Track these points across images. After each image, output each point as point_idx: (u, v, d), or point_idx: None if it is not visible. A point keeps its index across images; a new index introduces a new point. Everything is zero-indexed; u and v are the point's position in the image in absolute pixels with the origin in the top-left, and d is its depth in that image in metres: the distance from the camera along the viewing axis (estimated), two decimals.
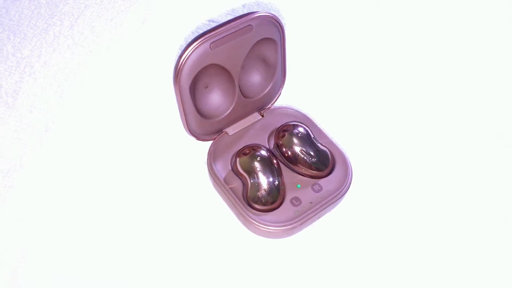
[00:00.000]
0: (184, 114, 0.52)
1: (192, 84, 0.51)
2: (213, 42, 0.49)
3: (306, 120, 0.58)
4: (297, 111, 0.59)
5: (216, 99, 0.55)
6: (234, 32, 0.50)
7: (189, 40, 0.69)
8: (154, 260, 0.51)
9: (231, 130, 0.57)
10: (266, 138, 0.57)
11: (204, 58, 0.49)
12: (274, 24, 0.53)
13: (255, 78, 0.57)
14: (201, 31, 0.66)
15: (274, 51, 0.55)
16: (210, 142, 0.57)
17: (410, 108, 0.64)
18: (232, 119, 0.57)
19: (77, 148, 0.60)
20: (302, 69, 0.68)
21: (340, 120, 0.62)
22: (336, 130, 0.61)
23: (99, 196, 0.56)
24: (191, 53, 0.48)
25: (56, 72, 0.67)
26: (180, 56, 0.48)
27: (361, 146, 0.60)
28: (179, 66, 0.48)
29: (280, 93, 0.60)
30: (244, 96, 0.56)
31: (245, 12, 0.64)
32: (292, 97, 0.63)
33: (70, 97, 0.64)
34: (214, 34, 0.48)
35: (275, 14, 0.68)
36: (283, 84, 0.59)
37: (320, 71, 0.68)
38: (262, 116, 0.59)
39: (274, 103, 0.60)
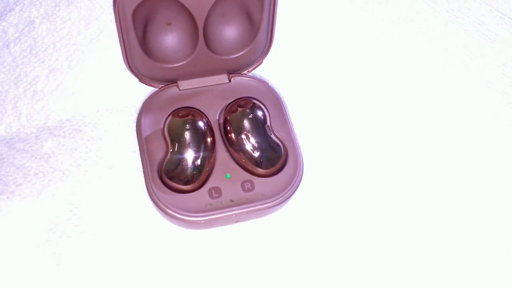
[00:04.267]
0: (124, 45, 0.43)
1: (142, 13, 0.41)
2: None
3: (275, 102, 0.47)
4: (271, 88, 0.48)
5: (174, 41, 0.45)
6: None
7: None
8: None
9: (184, 84, 0.47)
10: (221, 108, 0.47)
11: None
12: None
13: (230, 32, 0.46)
14: None
15: (260, 8, 0.44)
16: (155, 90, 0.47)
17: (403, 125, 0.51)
18: (190, 73, 0.47)
19: None
20: (300, 43, 0.55)
21: (321, 117, 0.50)
22: (310, 127, 0.49)
23: None
24: None
25: None
26: None
27: (331, 155, 0.48)
28: None
29: (261, 62, 0.49)
30: (211, 50, 0.46)
31: None
32: (278, 70, 0.51)
33: None
34: None
35: None
36: (267, 51, 0.48)
37: (321, 52, 0.55)
38: (230, 80, 0.48)
39: (251, 70, 0.49)
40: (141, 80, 0.46)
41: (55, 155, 0.46)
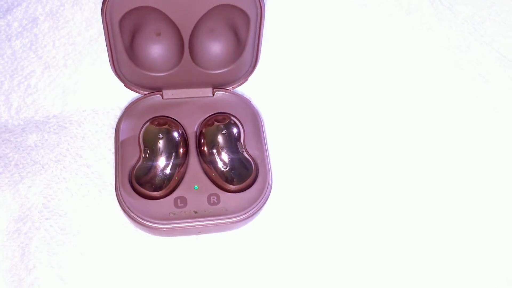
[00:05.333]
0: (111, 50, 0.44)
1: (130, 22, 0.43)
2: None
3: (253, 120, 0.48)
4: (252, 106, 0.49)
5: (160, 51, 0.46)
6: None
7: None
8: None
9: (168, 94, 0.48)
10: (200, 120, 0.48)
11: None
12: None
13: (216, 48, 0.47)
14: None
15: (246, 27, 0.45)
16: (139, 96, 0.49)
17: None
18: (174, 83, 0.48)
19: None
20: (286, 64, 0.55)
21: (298, 138, 0.51)
22: (285, 147, 0.50)
23: None
24: None
25: None
26: None
27: (302, 175, 0.49)
28: None
29: (246, 80, 0.50)
30: (196, 63, 0.47)
31: None
32: (262, 89, 0.52)
33: None
34: None
35: None
36: (253, 70, 0.49)
37: (305, 77, 0.55)
38: (213, 95, 0.49)
39: (236, 87, 0.50)
40: (126, 85, 0.48)
41: (37, 149, 0.48)
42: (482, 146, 0.52)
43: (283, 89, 0.53)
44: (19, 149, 0.48)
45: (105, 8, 0.41)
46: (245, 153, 0.45)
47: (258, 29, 0.45)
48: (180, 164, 0.44)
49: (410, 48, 0.58)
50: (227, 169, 0.44)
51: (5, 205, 0.45)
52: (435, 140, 0.52)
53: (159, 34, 0.45)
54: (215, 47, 0.47)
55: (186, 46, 0.45)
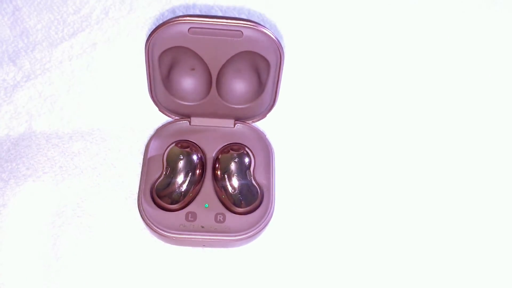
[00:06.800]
0: (150, 80, 0.52)
1: (167, 58, 0.51)
2: (192, 27, 0.47)
3: (266, 152, 0.54)
4: (267, 140, 0.55)
5: (192, 84, 0.53)
6: (217, 29, 0.47)
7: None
8: None
9: (195, 121, 0.55)
10: (219, 147, 0.54)
11: (179, 39, 0.48)
12: (272, 45, 0.49)
13: (239, 85, 0.54)
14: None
15: (267, 71, 0.52)
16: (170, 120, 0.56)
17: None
18: (201, 112, 0.55)
19: None
20: (303, 105, 0.62)
21: (306, 173, 0.56)
22: (292, 177, 0.56)
23: None
24: (166, 27, 0.47)
25: None
26: (157, 27, 0.48)
27: (303, 203, 0.54)
28: (151, 33, 0.48)
29: (265, 116, 0.56)
30: (221, 97, 0.54)
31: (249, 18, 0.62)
32: (278, 124, 0.59)
33: None
34: (194, 20, 0.47)
35: (281, 38, 0.64)
36: (271, 108, 0.55)
37: (319, 118, 0.61)
38: (234, 126, 0.56)
39: (255, 121, 0.56)
40: (160, 110, 0.55)
41: (80, 155, 0.56)
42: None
43: (296, 127, 0.59)
44: (64, 153, 0.56)
45: (147, 45, 0.49)
46: (253, 181, 0.51)
47: (277, 73, 0.52)
48: (195, 184, 0.51)
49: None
50: (235, 193, 0.50)
51: (47, 200, 0.53)
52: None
53: (193, 69, 0.53)
54: (239, 85, 0.54)
55: (214, 82, 0.52)
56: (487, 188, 0.57)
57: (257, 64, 0.52)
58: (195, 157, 0.52)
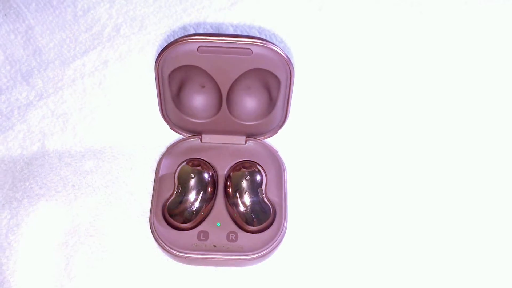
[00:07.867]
0: (160, 98, 0.52)
1: (177, 76, 0.51)
2: (201, 46, 0.47)
3: (278, 169, 0.54)
4: (279, 157, 0.55)
5: (203, 101, 0.53)
6: (226, 47, 0.47)
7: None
8: None
9: (206, 138, 0.55)
10: (231, 164, 0.54)
11: (188, 57, 0.48)
12: (282, 62, 0.48)
13: (249, 102, 0.53)
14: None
15: (278, 88, 0.51)
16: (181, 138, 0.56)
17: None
18: (212, 129, 0.55)
19: None
20: (314, 121, 0.61)
21: (318, 190, 0.56)
22: (304, 194, 0.55)
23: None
24: (175, 47, 0.47)
25: None
26: (166, 46, 0.48)
27: (315, 220, 0.53)
28: (160, 52, 0.48)
29: (276, 132, 0.55)
30: (232, 114, 0.53)
31: (258, 35, 0.62)
32: (290, 141, 0.58)
33: None
34: (203, 39, 0.47)
35: (290, 54, 0.64)
36: (282, 124, 0.55)
37: (331, 134, 0.60)
38: (245, 143, 0.55)
39: (266, 138, 0.56)
40: (171, 127, 0.55)
41: (92, 174, 0.56)
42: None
43: (308, 143, 0.59)
44: (77, 172, 0.56)
45: (157, 64, 0.49)
46: (265, 199, 0.51)
47: (288, 89, 0.51)
48: (207, 202, 0.51)
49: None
50: (247, 211, 0.50)
51: (59, 219, 0.53)
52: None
53: (203, 86, 0.53)
54: (250, 102, 0.53)
55: (224, 99, 0.52)
56: (496, 191, 0.56)
57: (267, 81, 0.51)
58: (206, 175, 0.51)
